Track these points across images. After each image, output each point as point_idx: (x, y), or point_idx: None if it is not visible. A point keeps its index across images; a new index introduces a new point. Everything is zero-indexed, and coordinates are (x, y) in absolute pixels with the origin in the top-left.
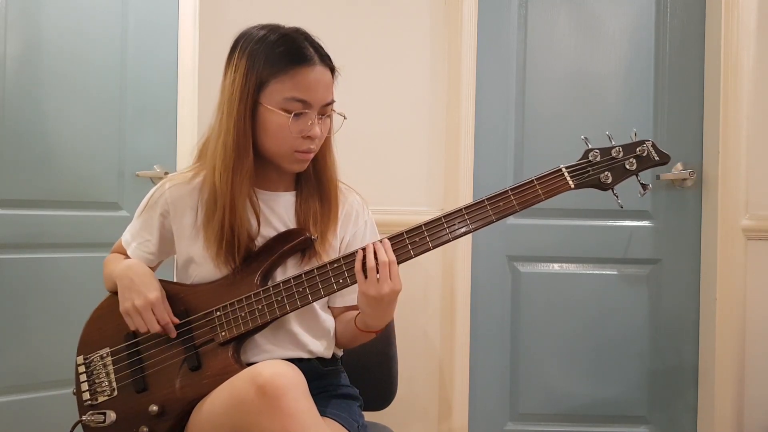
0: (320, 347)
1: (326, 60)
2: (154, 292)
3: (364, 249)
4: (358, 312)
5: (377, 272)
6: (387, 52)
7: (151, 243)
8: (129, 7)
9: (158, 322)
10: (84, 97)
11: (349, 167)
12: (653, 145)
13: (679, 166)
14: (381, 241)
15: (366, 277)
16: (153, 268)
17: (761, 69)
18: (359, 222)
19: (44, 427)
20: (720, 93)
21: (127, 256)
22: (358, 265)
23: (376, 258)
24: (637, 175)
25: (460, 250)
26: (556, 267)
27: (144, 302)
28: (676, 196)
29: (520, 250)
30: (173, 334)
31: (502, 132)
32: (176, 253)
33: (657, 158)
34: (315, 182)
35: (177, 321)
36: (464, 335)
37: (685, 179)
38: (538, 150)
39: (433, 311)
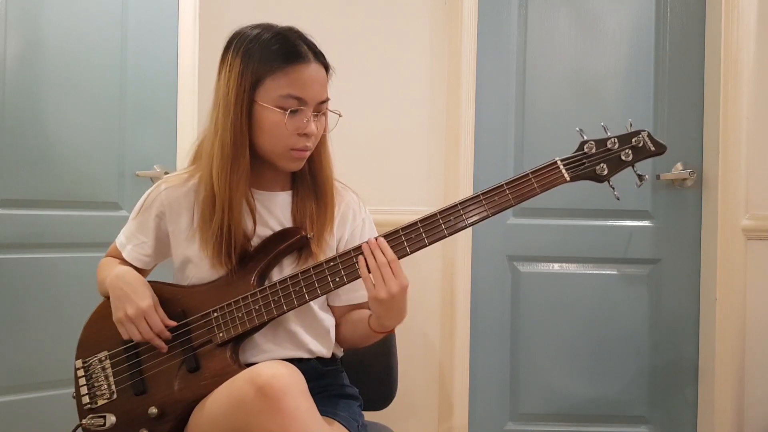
0: (320, 346)
1: (320, 57)
2: (146, 301)
3: (362, 254)
4: (369, 314)
5: (381, 274)
6: (387, 52)
7: (147, 245)
8: (129, 7)
9: (151, 330)
10: (84, 97)
11: (349, 167)
12: (649, 135)
13: (679, 166)
14: (376, 240)
15: (373, 281)
16: (148, 271)
17: (761, 69)
18: (357, 220)
19: (44, 427)
20: (720, 93)
21: (122, 260)
22: (363, 272)
23: (375, 259)
24: (633, 166)
25: (460, 249)
26: (556, 267)
27: (136, 311)
28: (676, 196)
29: (520, 250)
30: (164, 348)
31: (502, 132)
32: (172, 255)
33: (653, 148)
34: (311, 181)
35: (173, 324)
36: (464, 335)
37: (685, 179)
38: (538, 150)
39: (433, 311)
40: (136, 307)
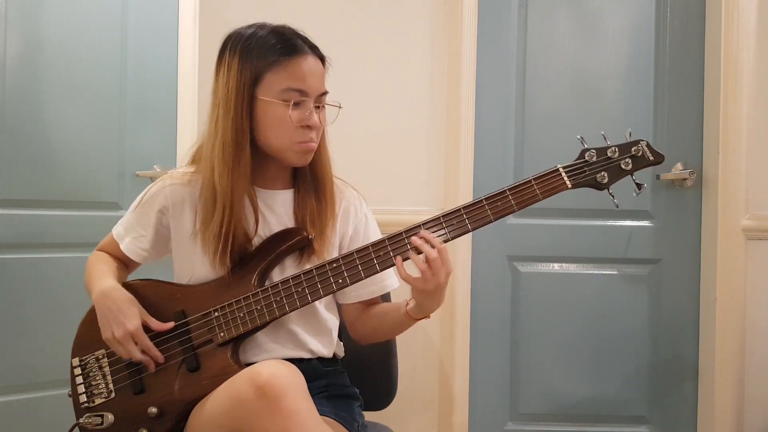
0: (320, 347)
1: (316, 50)
2: (133, 321)
3: (406, 250)
4: (405, 302)
5: (431, 267)
6: (387, 52)
7: (146, 239)
8: (129, 7)
9: (142, 350)
10: (84, 97)
11: (349, 166)
12: (648, 145)
13: (679, 166)
14: (418, 235)
15: (422, 275)
16: (137, 265)
17: (761, 69)
18: (359, 215)
19: (44, 427)
20: (720, 93)
21: (115, 253)
22: (402, 272)
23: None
24: (632, 175)
25: (460, 250)
26: (556, 267)
27: (123, 333)
28: (676, 196)
29: (520, 250)
30: (152, 364)
31: (502, 132)
32: (173, 254)
33: (652, 158)
34: (311, 178)
35: (169, 326)
36: (464, 335)
37: (685, 179)
38: (538, 150)
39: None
40: (123, 329)
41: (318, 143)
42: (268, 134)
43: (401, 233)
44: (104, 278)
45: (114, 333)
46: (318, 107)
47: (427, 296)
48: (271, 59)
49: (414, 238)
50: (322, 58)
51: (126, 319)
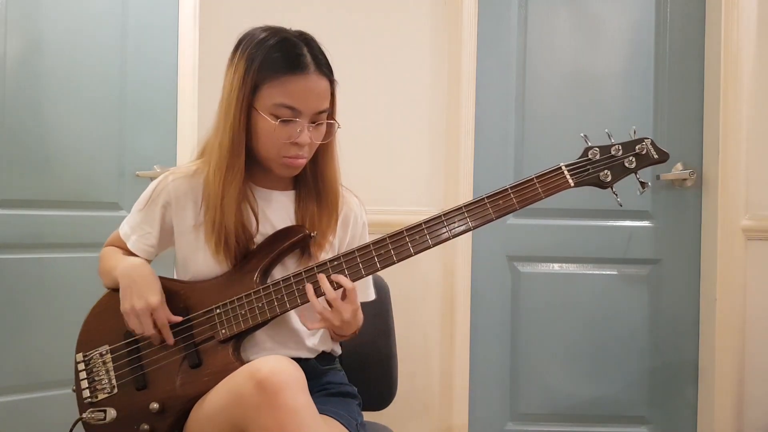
0: (320, 342)
1: (323, 68)
2: (156, 296)
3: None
4: None
5: (330, 306)
6: (387, 52)
7: (152, 235)
8: (129, 6)
9: (156, 326)
10: (84, 98)
11: (349, 167)
12: (652, 143)
13: (679, 166)
14: (317, 276)
15: (321, 316)
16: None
17: (761, 69)
18: (358, 224)
19: (44, 427)
20: (720, 93)
21: (125, 249)
22: (318, 307)
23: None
24: (636, 173)
25: (460, 250)
26: (556, 267)
27: (144, 305)
28: (676, 196)
29: (520, 250)
30: (171, 340)
31: (502, 132)
32: (176, 249)
33: (656, 156)
34: (313, 185)
35: (178, 319)
36: (464, 335)
37: (685, 179)
38: (538, 150)
39: (433, 311)
40: (145, 300)
41: (318, 155)
42: (257, 143)
43: (402, 231)
44: (129, 258)
45: (135, 305)
46: (317, 123)
47: (335, 328)
48: (269, 72)
49: (312, 285)
50: (329, 78)
51: (149, 293)
